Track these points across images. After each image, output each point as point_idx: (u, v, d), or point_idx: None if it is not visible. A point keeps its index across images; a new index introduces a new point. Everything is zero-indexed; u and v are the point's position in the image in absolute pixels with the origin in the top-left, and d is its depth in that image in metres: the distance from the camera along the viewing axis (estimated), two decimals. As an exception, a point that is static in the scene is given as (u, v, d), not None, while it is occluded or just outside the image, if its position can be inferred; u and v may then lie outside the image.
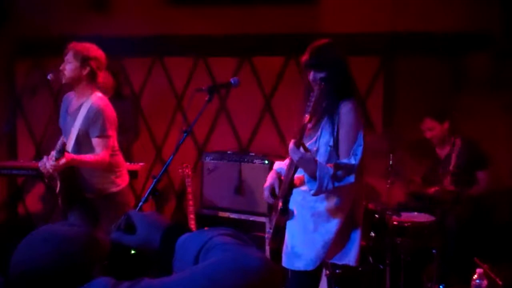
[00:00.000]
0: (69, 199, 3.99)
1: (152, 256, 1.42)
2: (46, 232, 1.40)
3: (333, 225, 3.15)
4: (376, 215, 4.54)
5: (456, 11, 5.41)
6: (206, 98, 3.42)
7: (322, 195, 3.12)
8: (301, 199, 3.20)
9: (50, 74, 4.00)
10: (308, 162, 2.95)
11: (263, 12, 5.91)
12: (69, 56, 3.95)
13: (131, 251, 1.44)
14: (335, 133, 3.06)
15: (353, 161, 2.98)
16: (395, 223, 4.47)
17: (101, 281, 1.24)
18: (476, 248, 4.62)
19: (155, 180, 3.29)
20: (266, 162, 5.30)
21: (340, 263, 3.23)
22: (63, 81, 4.01)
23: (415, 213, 4.76)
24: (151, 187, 3.20)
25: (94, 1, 6.23)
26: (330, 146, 3.07)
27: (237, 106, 6.14)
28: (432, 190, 4.89)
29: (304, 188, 3.14)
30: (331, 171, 2.95)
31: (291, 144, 2.94)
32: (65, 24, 6.11)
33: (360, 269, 4.19)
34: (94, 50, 3.99)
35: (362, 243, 3.29)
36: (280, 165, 3.39)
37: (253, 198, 5.33)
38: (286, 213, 3.14)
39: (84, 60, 3.93)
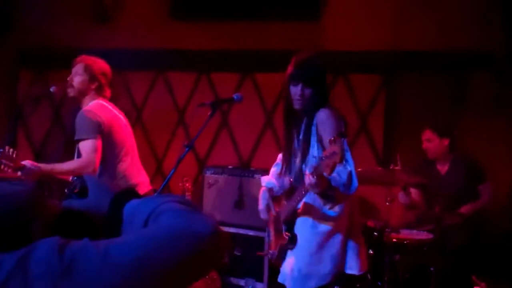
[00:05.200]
0: None
1: (101, 221, 1.41)
2: None
3: (337, 239, 3.18)
4: (375, 233, 4.54)
5: (458, 30, 5.44)
6: (209, 113, 3.45)
7: (320, 217, 3.15)
8: (301, 223, 3.23)
9: (54, 87, 4.01)
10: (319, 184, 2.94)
11: (266, 29, 5.95)
12: (79, 69, 3.96)
13: (81, 216, 1.42)
14: (317, 143, 3.09)
15: (348, 168, 2.96)
16: (394, 240, 4.47)
17: (50, 240, 1.21)
18: (475, 267, 4.62)
19: (155, 193, 3.30)
20: (267, 177, 5.31)
21: (357, 273, 3.24)
22: (71, 94, 4.01)
23: (414, 230, 4.76)
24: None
25: (98, 14, 6.28)
26: (315, 157, 3.06)
27: (238, 121, 6.16)
28: (435, 211, 4.89)
29: (304, 215, 3.20)
30: (344, 180, 2.94)
31: (311, 178, 2.87)
32: (68, 36, 6.15)
33: (358, 286, 4.19)
34: (102, 65, 4.01)
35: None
36: (268, 179, 3.41)
37: (253, 213, 5.30)
38: (294, 241, 3.18)
39: (94, 75, 3.95)
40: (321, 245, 3.18)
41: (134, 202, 1.40)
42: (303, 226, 3.23)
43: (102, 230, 1.33)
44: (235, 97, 3.60)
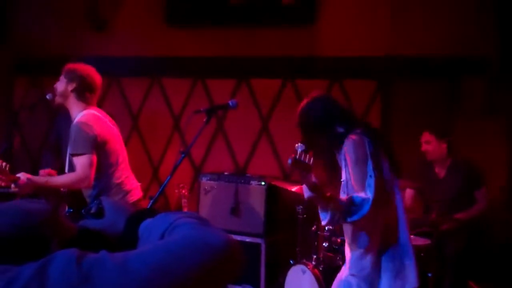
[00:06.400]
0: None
1: (116, 240, 1.45)
2: (5, 205, 1.41)
3: (367, 262, 3.21)
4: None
5: (452, 35, 5.47)
6: (204, 119, 3.45)
7: (353, 249, 3.24)
8: None
9: (50, 94, 3.99)
10: (317, 201, 3.10)
11: (261, 35, 5.96)
12: (62, 75, 3.96)
13: (98, 235, 1.47)
14: (346, 168, 3.15)
15: (368, 194, 3.01)
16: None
17: (67, 251, 1.24)
18: (472, 272, 4.62)
19: (151, 200, 3.30)
20: (263, 183, 5.31)
21: None
22: (57, 101, 3.99)
23: (411, 236, 4.76)
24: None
25: (93, 21, 6.28)
26: (342, 181, 3.16)
27: (234, 127, 6.16)
28: (432, 217, 4.90)
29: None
30: (345, 208, 3.02)
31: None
32: (64, 44, 6.16)
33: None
34: (85, 69, 3.94)
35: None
36: None
37: (249, 219, 5.33)
38: None
39: (72, 76, 3.91)
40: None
41: (149, 221, 1.43)
42: None
43: (118, 249, 1.35)
44: (230, 103, 3.60)
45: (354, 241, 3.23)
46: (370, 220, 3.09)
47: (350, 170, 3.09)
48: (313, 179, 3.02)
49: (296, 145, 3.01)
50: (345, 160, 3.13)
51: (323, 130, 3.23)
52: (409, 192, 5.14)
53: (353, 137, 3.13)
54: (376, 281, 3.20)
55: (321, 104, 3.26)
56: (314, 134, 3.25)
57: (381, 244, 3.18)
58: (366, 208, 2.99)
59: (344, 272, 3.35)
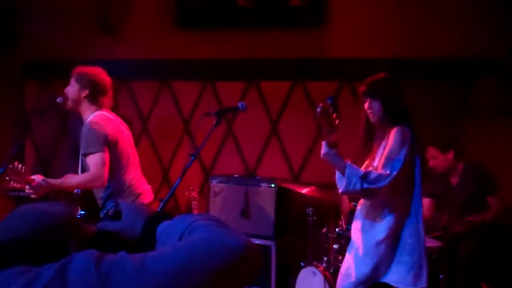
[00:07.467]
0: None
1: (134, 242, 1.47)
2: (25, 207, 1.44)
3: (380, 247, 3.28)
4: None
5: (462, 36, 5.44)
6: (214, 122, 3.45)
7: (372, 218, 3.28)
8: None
9: (60, 98, 4.01)
10: (333, 157, 3.16)
11: (270, 37, 5.95)
12: (72, 79, 3.98)
13: (115, 237, 1.49)
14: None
15: (388, 170, 3.09)
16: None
17: (87, 252, 1.26)
18: (485, 274, 4.59)
19: (162, 203, 3.30)
20: (273, 185, 5.30)
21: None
22: (69, 106, 4.00)
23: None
24: (158, 210, 3.20)
25: (103, 24, 6.31)
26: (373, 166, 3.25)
27: (244, 130, 6.16)
28: (444, 219, 4.87)
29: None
30: (361, 173, 3.10)
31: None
32: (74, 47, 6.18)
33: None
34: (96, 73, 3.96)
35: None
36: None
37: (259, 222, 5.32)
38: None
39: (84, 82, 3.92)
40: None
41: (166, 223, 1.45)
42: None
43: (136, 250, 1.36)
44: (240, 105, 3.61)
45: (374, 221, 3.29)
46: (390, 201, 3.16)
47: (387, 149, 3.18)
48: (334, 138, 3.14)
49: (327, 97, 3.11)
50: (384, 147, 3.20)
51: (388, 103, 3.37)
52: (426, 201, 5.08)
53: (400, 127, 3.25)
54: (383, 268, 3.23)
55: (391, 86, 3.48)
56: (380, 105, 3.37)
57: (396, 235, 3.22)
58: (384, 182, 3.09)
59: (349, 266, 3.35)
